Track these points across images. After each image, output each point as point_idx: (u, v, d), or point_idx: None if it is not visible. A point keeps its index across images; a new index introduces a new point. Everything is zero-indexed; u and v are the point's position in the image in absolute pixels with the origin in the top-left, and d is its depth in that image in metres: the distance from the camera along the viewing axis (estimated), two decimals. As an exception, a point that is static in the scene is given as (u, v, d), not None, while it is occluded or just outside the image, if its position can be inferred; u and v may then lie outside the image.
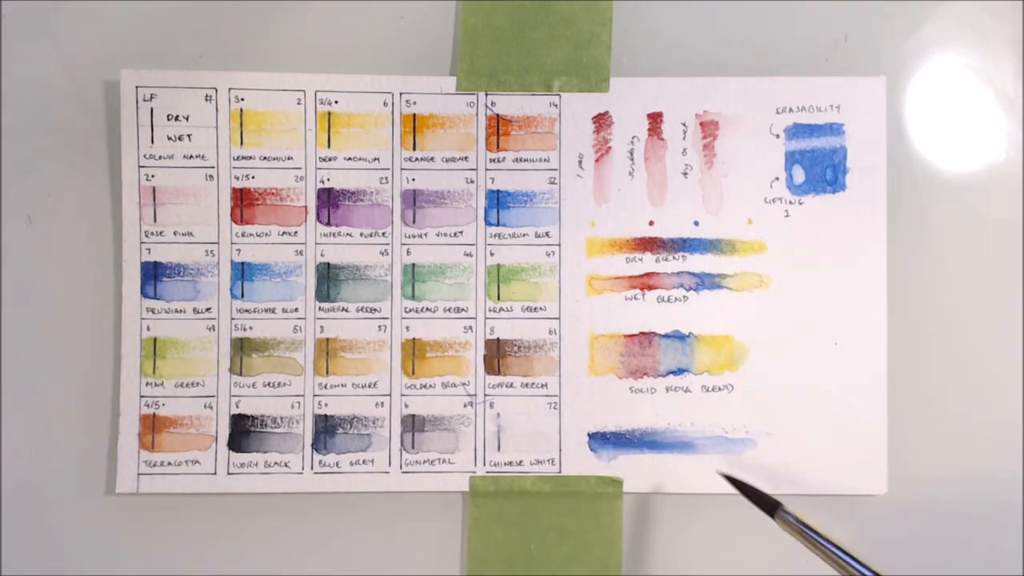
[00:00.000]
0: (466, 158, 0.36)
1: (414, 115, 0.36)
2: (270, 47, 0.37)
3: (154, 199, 0.35)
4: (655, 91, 0.36)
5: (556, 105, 0.36)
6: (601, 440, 0.35)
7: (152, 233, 0.35)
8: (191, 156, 0.36)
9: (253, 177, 0.36)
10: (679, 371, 0.36)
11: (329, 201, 0.36)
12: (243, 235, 0.36)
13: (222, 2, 0.37)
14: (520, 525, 0.35)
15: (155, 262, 0.35)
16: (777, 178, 0.36)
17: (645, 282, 0.36)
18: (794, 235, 0.36)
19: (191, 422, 0.35)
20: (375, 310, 0.36)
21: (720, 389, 0.36)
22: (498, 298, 0.36)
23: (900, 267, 0.36)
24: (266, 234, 0.36)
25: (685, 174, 0.36)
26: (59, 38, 0.36)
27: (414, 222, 0.36)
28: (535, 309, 0.36)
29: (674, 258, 0.36)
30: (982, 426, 0.36)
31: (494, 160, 0.36)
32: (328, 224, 0.36)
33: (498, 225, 0.36)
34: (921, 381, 0.36)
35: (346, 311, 0.36)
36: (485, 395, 0.36)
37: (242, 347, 0.35)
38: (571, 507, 0.35)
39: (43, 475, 0.35)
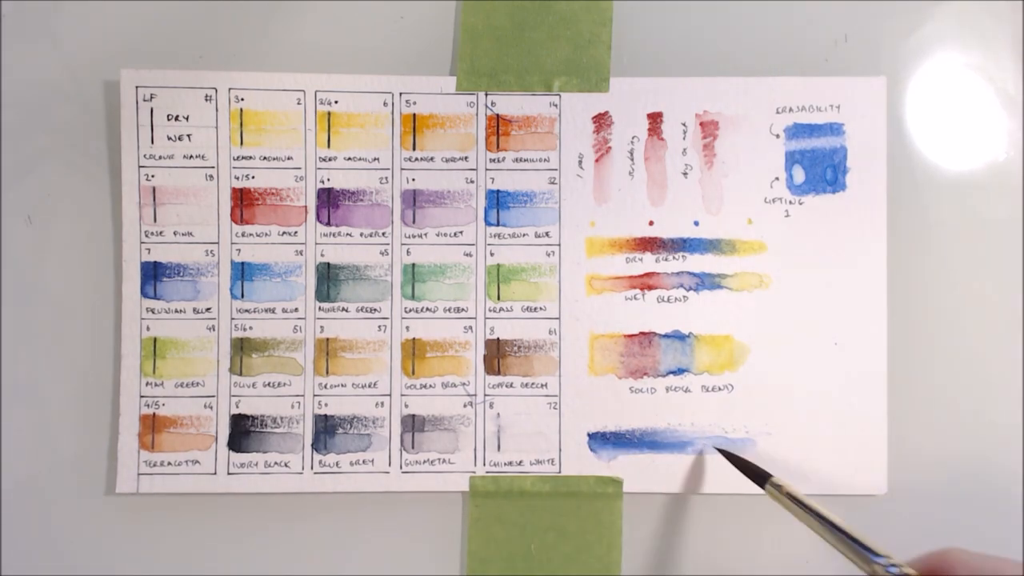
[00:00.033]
0: (466, 158, 0.36)
1: (414, 115, 0.36)
2: (270, 47, 0.37)
3: (154, 199, 0.35)
4: (655, 91, 0.36)
5: (556, 105, 0.36)
6: (601, 440, 0.35)
7: (152, 233, 0.35)
8: (191, 156, 0.36)
9: (253, 177, 0.36)
10: (679, 371, 0.36)
11: (329, 201, 0.36)
12: (243, 235, 0.36)
13: (222, 2, 0.37)
14: (520, 525, 0.35)
15: (155, 262, 0.35)
16: (777, 178, 0.36)
17: (645, 282, 0.36)
18: (794, 235, 0.36)
19: (191, 422, 0.35)
20: (375, 310, 0.36)
21: (720, 389, 0.36)
22: (498, 298, 0.36)
23: (900, 267, 0.36)
24: (266, 234, 0.36)
25: (685, 174, 0.36)
26: (59, 38, 0.36)
27: (414, 222, 0.36)
28: (535, 309, 0.36)
29: (674, 258, 0.36)
30: (982, 426, 0.36)
31: (494, 160, 0.36)
32: (328, 224, 0.36)
33: (498, 225, 0.36)
34: (921, 381, 0.36)
35: (346, 311, 0.36)
36: (485, 395, 0.36)
37: (242, 347, 0.35)
38: (571, 507, 0.35)
39: (43, 475, 0.35)
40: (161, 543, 0.35)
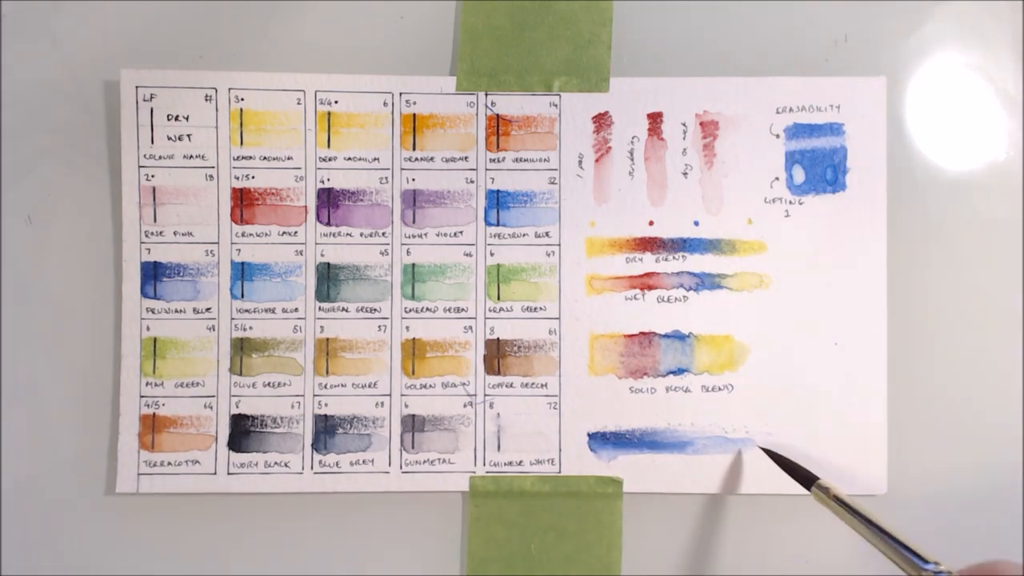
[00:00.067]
0: (466, 158, 0.36)
1: (414, 115, 0.36)
2: (270, 47, 0.37)
3: (154, 199, 0.35)
4: (655, 91, 0.36)
5: (556, 105, 0.36)
6: (601, 440, 0.35)
7: (152, 233, 0.35)
8: (191, 156, 0.36)
9: (253, 177, 0.36)
10: (679, 371, 0.36)
11: (329, 201, 0.36)
12: (243, 235, 0.36)
13: (222, 2, 0.37)
14: (520, 525, 0.35)
15: (155, 262, 0.35)
16: (777, 178, 0.36)
17: (645, 282, 0.36)
18: (794, 235, 0.36)
19: (191, 422, 0.35)
20: (375, 310, 0.36)
21: (720, 389, 0.36)
22: (498, 298, 0.36)
23: (900, 267, 0.36)
24: (266, 234, 0.36)
25: (685, 174, 0.36)
26: (59, 38, 0.36)
27: (414, 222, 0.36)
28: (535, 309, 0.36)
29: (674, 258, 0.36)
30: (982, 426, 0.36)
31: (494, 160, 0.36)
32: (328, 224, 0.36)
33: (498, 225, 0.36)
34: (921, 381, 0.36)
35: (346, 311, 0.36)
36: (485, 395, 0.36)
37: (242, 347, 0.35)
38: (571, 507, 0.35)
39: (43, 475, 0.35)
40: (161, 543, 0.35)
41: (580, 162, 0.36)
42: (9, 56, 0.36)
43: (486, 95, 0.36)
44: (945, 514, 0.36)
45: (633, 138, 0.36)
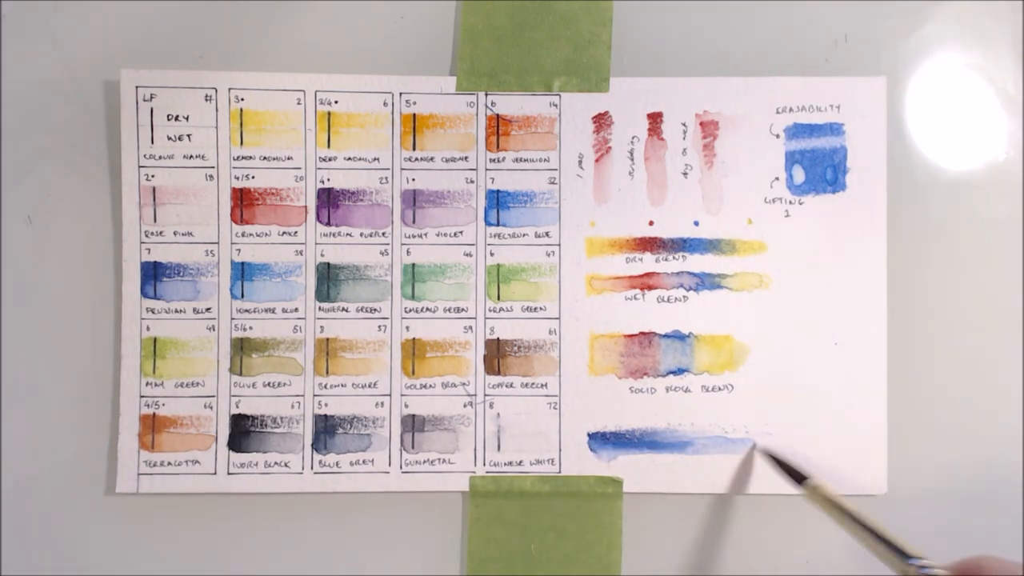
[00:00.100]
0: (466, 158, 0.36)
1: (414, 115, 0.36)
2: (270, 47, 0.36)
3: (154, 199, 0.35)
4: (655, 91, 0.36)
5: (556, 105, 0.36)
6: (601, 440, 0.35)
7: (152, 233, 0.35)
8: (191, 156, 0.36)
9: (253, 177, 0.36)
10: (679, 371, 0.36)
11: (329, 201, 0.36)
12: (243, 235, 0.36)
13: (222, 2, 0.37)
14: (520, 525, 0.35)
15: (155, 262, 0.35)
16: (777, 178, 0.36)
17: (645, 282, 0.36)
18: (794, 235, 0.36)
19: (191, 422, 0.35)
20: (375, 310, 0.36)
21: (720, 389, 0.36)
22: (498, 298, 0.36)
23: (900, 267, 0.36)
24: (266, 234, 0.36)
25: (685, 174, 0.36)
26: (59, 38, 0.36)
27: (414, 222, 0.36)
28: (535, 309, 0.36)
29: (674, 258, 0.36)
30: (982, 426, 0.36)
31: (494, 160, 0.36)
32: (328, 224, 0.36)
33: (498, 225, 0.36)
34: (921, 381, 0.36)
35: (346, 311, 0.36)
36: (485, 395, 0.36)
37: (242, 347, 0.35)
38: (571, 507, 0.35)
39: (43, 475, 0.35)
40: (161, 543, 0.35)
41: (580, 162, 0.36)
42: (9, 56, 0.36)
43: (486, 95, 0.36)
44: (945, 514, 0.36)
45: (633, 138, 0.36)
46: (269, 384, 0.35)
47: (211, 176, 0.36)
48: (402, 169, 0.36)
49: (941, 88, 0.37)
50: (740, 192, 0.36)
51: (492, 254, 0.36)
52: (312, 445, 0.35)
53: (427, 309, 0.36)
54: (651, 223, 0.36)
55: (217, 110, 0.36)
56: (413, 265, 0.36)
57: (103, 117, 0.36)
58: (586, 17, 0.36)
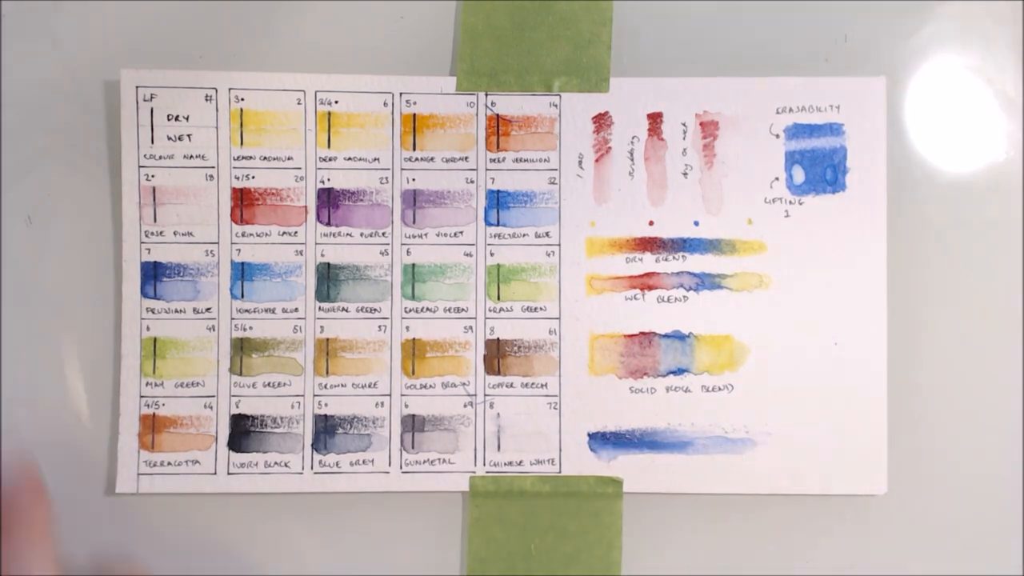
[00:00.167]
0: (466, 158, 0.36)
1: (414, 115, 0.36)
2: (270, 47, 0.37)
3: (154, 199, 0.35)
4: (655, 91, 0.36)
5: (556, 105, 0.36)
6: (601, 440, 0.35)
7: (152, 233, 0.35)
8: (191, 156, 0.36)
9: (253, 177, 0.36)
10: (679, 371, 0.36)
11: (329, 201, 0.36)
12: (243, 235, 0.36)
13: (222, 2, 0.37)
14: (520, 525, 0.35)
15: (155, 262, 0.35)
16: (777, 178, 0.36)
17: (645, 282, 0.36)
18: (794, 235, 0.36)
19: (191, 422, 0.35)
20: (375, 310, 0.36)
21: (720, 389, 0.36)
22: (498, 298, 0.36)
23: (900, 267, 0.36)
24: (266, 234, 0.36)
25: (685, 174, 0.36)
26: (59, 38, 0.36)
27: (414, 222, 0.36)
28: (535, 309, 0.36)
29: (674, 258, 0.36)
30: (982, 426, 0.36)
31: (494, 160, 0.36)
32: (328, 224, 0.36)
33: (498, 225, 0.36)
34: (921, 381, 0.36)
35: (346, 311, 0.36)
36: (485, 395, 0.36)
37: (242, 347, 0.35)
38: (571, 507, 0.35)
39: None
40: (161, 543, 0.35)
41: (580, 162, 0.36)
42: (9, 56, 0.36)
43: (486, 95, 0.36)
44: (945, 513, 0.36)
45: (633, 138, 0.36)
46: (269, 384, 0.35)
47: (211, 176, 0.36)
48: (402, 169, 0.36)
49: (941, 89, 0.37)
50: (740, 192, 0.36)
51: (492, 254, 0.36)
52: (312, 445, 0.35)
53: (427, 309, 0.36)
54: (651, 223, 0.36)
55: (217, 110, 0.36)
56: (413, 265, 0.36)
57: (103, 117, 0.36)
58: (586, 17, 0.36)
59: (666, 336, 0.36)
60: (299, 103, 0.36)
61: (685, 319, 0.36)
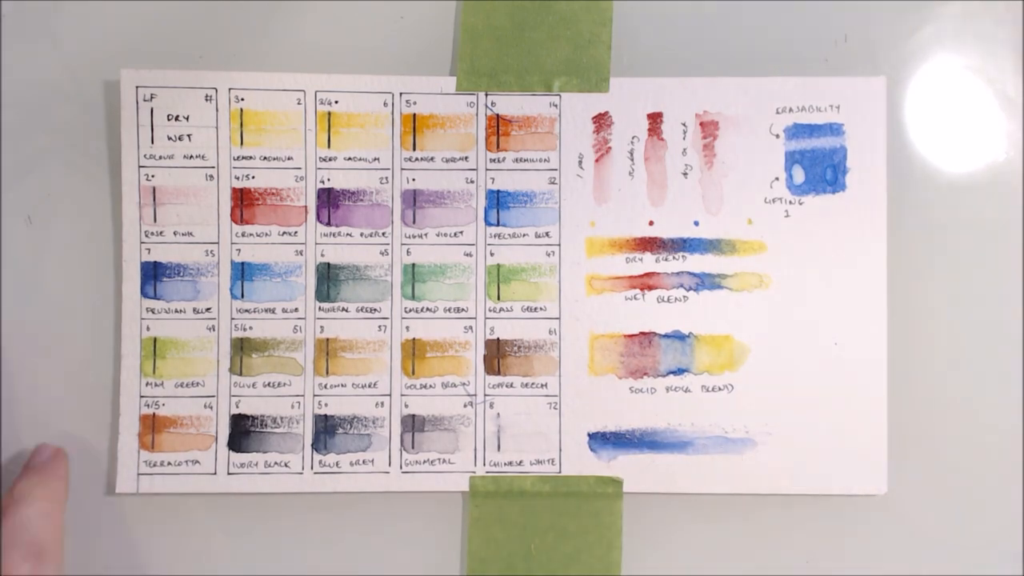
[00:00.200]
0: (466, 158, 0.36)
1: (414, 115, 0.36)
2: (270, 47, 0.37)
3: (154, 199, 0.35)
4: (655, 91, 0.36)
5: (556, 105, 0.36)
6: (601, 440, 0.35)
7: (152, 233, 0.35)
8: (191, 156, 0.36)
9: (253, 177, 0.36)
10: (679, 371, 0.36)
11: (329, 201, 0.36)
12: (243, 235, 0.36)
13: (222, 2, 0.37)
14: (520, 525, 0.35)
15: (155, 262, 0.35)
16: (777, 178, 0.36)
17: (645, 282, 0.36)
18: (794, 235, 0.36)
19: (191, 422, 0.35)
20: (375, 310, 0.36)
21: (720, 389, 0.36)
22: (498, 298, 0.36)
23: (900, 267, 0.36)
24: (266, 234, 0.36)
25: (685, 174, 0.36)
26: (59, 38, 0.36)
27: (414, 222, 0.36)
28: (535, 309, 0.36)
29: (674, 258, 0.36)
30: (982, 426, 0.36)
31: (494, 160, 0.36)
32: (328, 224, 0.36)
33: (498, 225, 0.36)
34: (921, 381, 0.36)
35: (346, 311, 0.36)
36: (485, 395, 0.36)
37: (242, 347, 0.35)
38: (571, 507, 0.35)
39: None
40: (161, 543, 0.35)
41: (580, 162, 0.36)
42: (9, 56, 0.36)
43: (486, 95, 0.36)
44: (945, 513, 0.36)
45: (633, 138, 0.36)
46: (269, 384, 0.35)
47: (211, 176, 0.36)
48: (402, 169, 0.36)
49: (941, 89, 0.37)
50: (740, 192, 0.36)
51: (492, 254, 0.36)
52: (312, 445, 0.35)
53: (427, 309, 0.36)
54: (651, 223, 0.36)
55: (217, 110, 0.36)
56: (413, 265, 0.36)
57: (103, 117, 0.36)
58: (586, 17, 0.36)
59: (666, 336, 0.36)
60: (299, 103, 0.36)
61: (685, 319, 0.36)
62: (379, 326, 0.36)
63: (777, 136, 0.36)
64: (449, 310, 0.36)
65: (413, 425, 0.35)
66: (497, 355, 0.36)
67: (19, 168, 0.36)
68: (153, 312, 0.35)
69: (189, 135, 0.36)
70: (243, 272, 0.36)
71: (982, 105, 0.37)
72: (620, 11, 0.36)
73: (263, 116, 0.36)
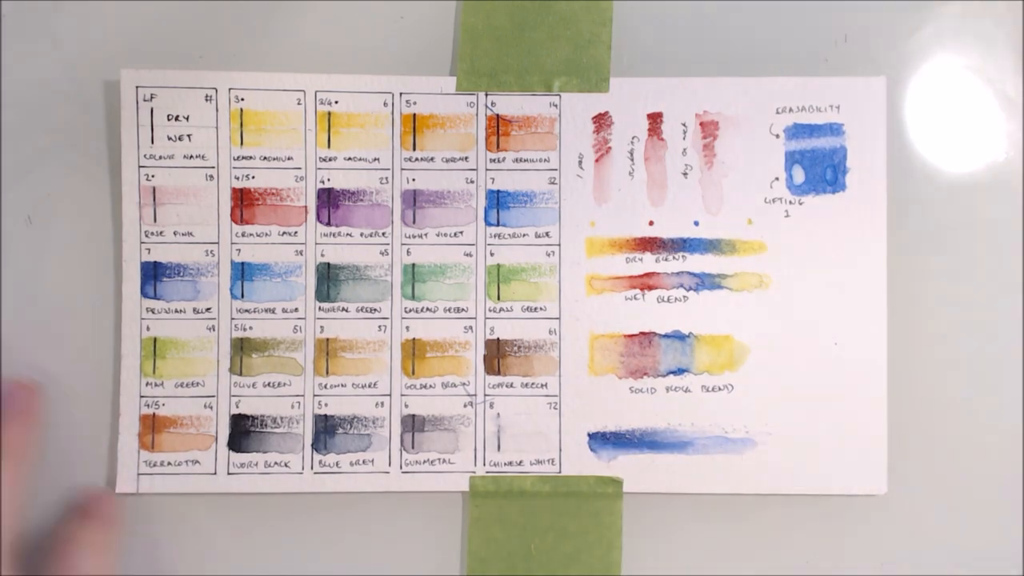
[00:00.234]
0: (466, 158, 0.36)
1: (414, 115, 0.36)
2: (270, 47, 0.37)
3: (154, 199, 0.35)
4: (655, 91, 0.36)
5: (556, 105, 0.36)
6: (601, 440, 0.35)
7: (152, 233, 0.35)
8: (191, 156, 0.36)
9: (253, 177, 0.36)
10: (679, 371, 0.36)
11: (329, 201, 0.36)
12: (243, 235, 0.36)
13: (222, 2, 0.37)
14: (520, 525, 0.35)
15: (155, 262, 0.35)
16: (777, 178, 0.36)
17: (645, 282, 0.36)
18: (794, 235, 0.36)
19: (191, 422, 0.35)
20: (375, 310, 0.36)
21: (720, 389, 0.36)
22: (498, 298, 0.36)
23: (900, 267, 0.36)
24: (266, 234, 0.36)
25: (685, 174, 0.36)
26: (59, 38, 0.36)
27: (414, 222, 0.36)
28: (535, 309, 0.36)
29: (674, 258, 0.36)
30: (982, 426, 0.36)
31: (494, 160, 0.36)
32: (328, 224, 0.36)
33: (498, 225, 0.36)
34: (921, 381, 0.36)
35: (346, 311, 0.36)
36: (485, 395, 0.36)
37: (242, 347, 0.35)
38: (571, 507, 0.35)
39: (43, 475, 0.35)
40: (161, 543, 0.35)
41: (580, 162, 0.36)
42: (9, 56, 0.36)
43: (486, 95, 0.36)
44: (945, 513, 0.36)
45: (633, 138, 0.36)
46: (269, 384, 0.35)
47: (211, 176, 0.36)
48: (402, 169, 0.36)
49: (941, 89, 0.37)
50: (740, 192, 0.36)
51: (492, 254, 0.36)
52: (312, 445, 0.35)
53: (427, 309, 0.36)
54: (651, 223, 0.36)
55: (217, 110, 0.36)
56: (413, 265, 0.36)
57: (103, 117, 0.36)
58: (586, 17, 0.36)
59: (666, 336, 0.36)
60: (299, 103, 0.36)
61: (685, 319, 0.36)
62: (379, 326, 0.36)
63: (777, 136, 0.36)
64: (449, 310, 0.36)
65: (413, 425, 0.35)
66: (497, 355, 0.36)
67: (19, 168, 0.36)
68: (153, 312, 0.35)
69: (189, 135, 0.36)
70: (243, 272, 0.36)
71: (982, 105, 0.37)
72: (620, 11, 0.36)
73: (263, 116, 0.36)
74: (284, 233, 0.36)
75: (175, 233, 0.36)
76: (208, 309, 0.35)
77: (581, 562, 0.35)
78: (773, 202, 0.36)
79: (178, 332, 0.35)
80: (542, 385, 0.36)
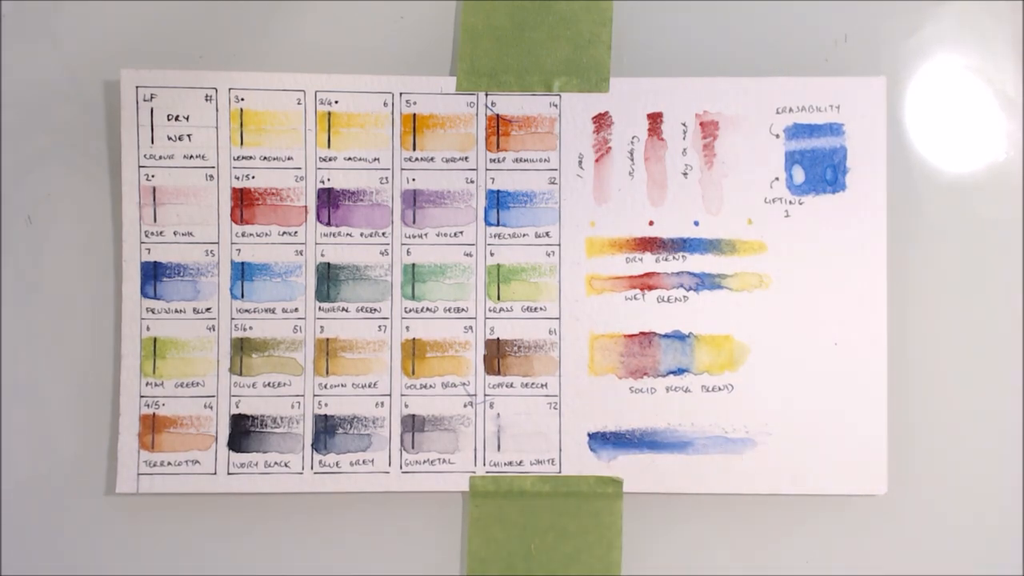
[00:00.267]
0: (466, 158, 0.36)
1: (414, 115, 0.36)
2: (270, 47, 0.37)
3: (154, 199, 0.35)
4: (655, 91, 0.36)
5: (556, 105, 0.36)
6: (601, 440, 0.35)
7: (152, 233, 0.35)
8: (191, 156, 0.36)
9: (253, 177, 0.36)
10: (679, 371, 0.36)
11: (329, 201, 0.36)
12: (243, 235, 0.36)
13: (222, 2, 0.37)
14: (520, 525, 0.35)
15: (155, 262, 0.35)
16: (777, 178, 0.36)
17: (645, 282, 0.36)
18: (794, 235, 0.36)
19: (191, 422, 0.35)
20: (375, 310, 0.36)
21: (720, 389, 0.36)
22: (498, 298, 0.36)
23: (900, 267, 0.36)
24: (266, 234, 0.36)
25: (685, 174, 0.36)
26: (59, 38, 0.36)
27: (414, 222, 0.36)
28: (535, 309, 0.36)
29: (674, 258, 0.36)
30: (982, 426, 0.36)
31: (494, 160, 0.36)
32: (328, 224, 0.36)
33: (498, 225, 0.36)
34: (921, 381, 0.36)
35: (346, 311, 0.36)
36: (485, 395, 0.36)
37: (242, 347, 0.35)
38: (571, 507, 0.35)
39: (43, 475, 0.35)
40: (161, 543, 0.35)
41: (580, 162, 0.36)
42: (9, 56, 0.36)
43: (486, 95, 0.36)
44: (945, 513, 0.36)
45: (633, 138, 0.36)
46: (269, 384, 0.35)
47: (211, 176, 0.36)
48: (402, 169, 0.36)
49: (941, 89, 0.37)
50: (740, 192, 0.36)
51: (492, 254, 0.36)
52: (312, 445, 0.35)
53: (427, 309, 0.36)
54: (651, 223, 0.36)
55: (217, 110, 0.36)
56: (413, 265, 0.36)
57: (103, 117, 0.36)
58: (586, 17, 0.36)
59: (666, 336, 0.36)
60: (299, 103, 0.36)
61: (685, 319, 0.36)
62: (379, 326, 0.36)
63: (777, 136, 0.36)
64: (449, 310, 0.36)
65: (413, 425, 0.35)
66: (497, 355, 0.36)
67: (19, 168, 0.36)
68: (153, 312, 0.35)
69: (189, 135, 0.36)
70: (243, 272, 0.36)
71: (982, 105, 0.37)
72: (620, 11, 0.36)
73: (263, 116, 0.36)
74: (284, 233, 0.36)
75: (175, 233, 0.36)
76: (208, 309, 0.35)
77: (581, 562, 0.35)
78: (773, 202, 0.36)
79: (178, 332, 0.35)
80: (542, 385, 0.36)
